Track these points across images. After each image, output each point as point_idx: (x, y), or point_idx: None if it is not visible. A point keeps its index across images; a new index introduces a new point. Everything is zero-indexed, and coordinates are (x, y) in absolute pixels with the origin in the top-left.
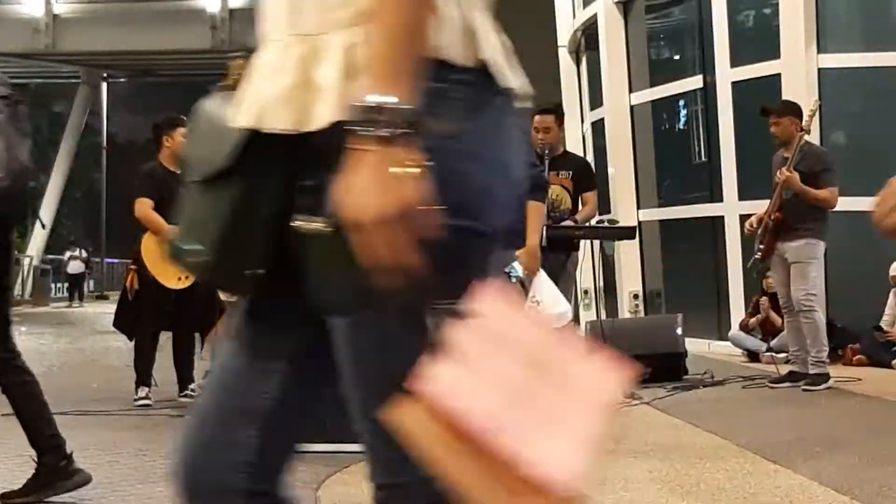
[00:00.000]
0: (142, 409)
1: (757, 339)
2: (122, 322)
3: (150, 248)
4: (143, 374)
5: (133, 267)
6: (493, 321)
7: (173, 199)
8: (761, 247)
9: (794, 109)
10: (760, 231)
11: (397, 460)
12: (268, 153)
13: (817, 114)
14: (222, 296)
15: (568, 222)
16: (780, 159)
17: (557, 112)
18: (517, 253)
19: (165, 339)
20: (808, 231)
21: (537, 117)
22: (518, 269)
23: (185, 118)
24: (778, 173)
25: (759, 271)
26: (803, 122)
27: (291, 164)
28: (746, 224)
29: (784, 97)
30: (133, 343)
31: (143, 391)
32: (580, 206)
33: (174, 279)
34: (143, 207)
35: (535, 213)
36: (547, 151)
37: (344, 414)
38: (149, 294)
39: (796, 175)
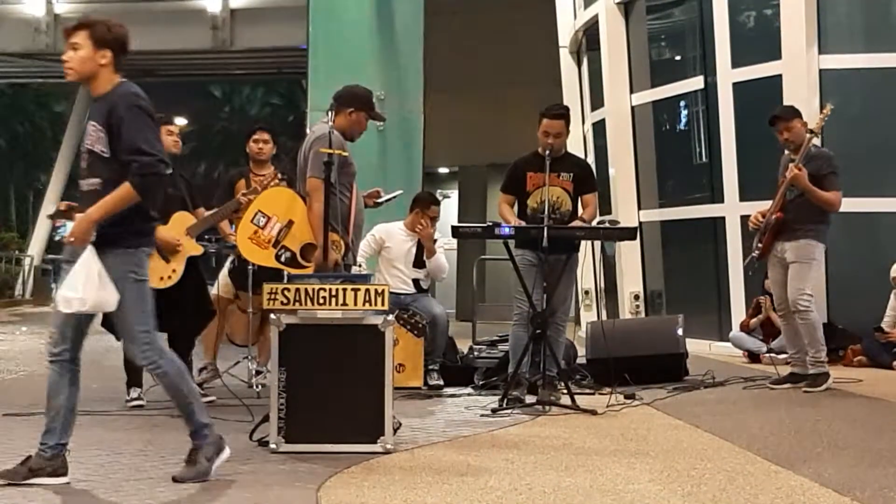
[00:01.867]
0: (143, 409)
1: (758, 340)
2: (110, 322)
3: None
4: (134, 376)
5: None
6: None
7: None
8: (759, 245)
9: (798, 112)
10: (761, 229)
11: None
12: None
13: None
14: (217, 295)
15: (577, 223)
16: (787, 160)
17: (568, 116)
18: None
19: (163, 340)
20: (809, 232)
21: (547, 121)
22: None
23: (166, 116)
24: (787, 170)
25: (755, 270)
26: (814, 125)
27: None
28: (751, 218)
29: (785, 98)
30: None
31: (134, 392)
32: (580, 208)
33: (157, 279)
34: None
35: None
36: (549, 153)
37: (344, 415)
38: None
39: (805, 172)
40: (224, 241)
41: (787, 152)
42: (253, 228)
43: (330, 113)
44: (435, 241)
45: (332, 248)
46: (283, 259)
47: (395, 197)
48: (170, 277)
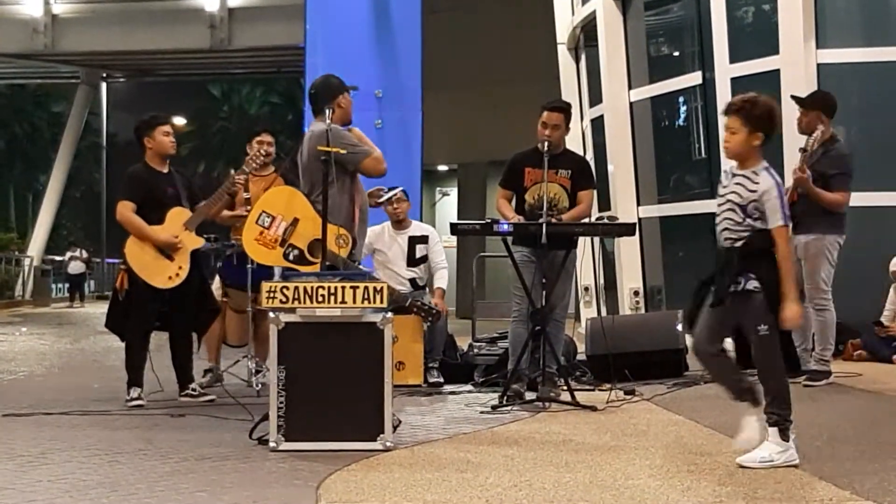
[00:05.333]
0: (143, 409)
1: None
2: (113, 322)
3: (133, 251)
4: (134, 375)
5: (123, 267)
6: None
7: (159, 198)
8: None
9: (814, 103)
10: None
11: None
12: None
13: None
14: (216, 296)
15: (565, 218)
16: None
17: (568, 111)
18: None
19: (164, 339)
20: (817, 225)
21: (547, 113)
22: None
23: (163, 116)
24: (793, 170)
25: None
26: (807, 145)
27: None
28: None
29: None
30: (124, 344)
31: (134, 392)
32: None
33: (165, 278)
34: (124, 210)
35: None
36: (548, 148)
37: (344, 413)
38: (137, 294)
39: (808, 175)
40: (225, 239)
41: (806, 138)
42: (258, 229)
43: (328, 111)
44: (423, 258)
45: (339, 242)
46: (291, 257)
47: (395, 193)
48: (177, 275)
